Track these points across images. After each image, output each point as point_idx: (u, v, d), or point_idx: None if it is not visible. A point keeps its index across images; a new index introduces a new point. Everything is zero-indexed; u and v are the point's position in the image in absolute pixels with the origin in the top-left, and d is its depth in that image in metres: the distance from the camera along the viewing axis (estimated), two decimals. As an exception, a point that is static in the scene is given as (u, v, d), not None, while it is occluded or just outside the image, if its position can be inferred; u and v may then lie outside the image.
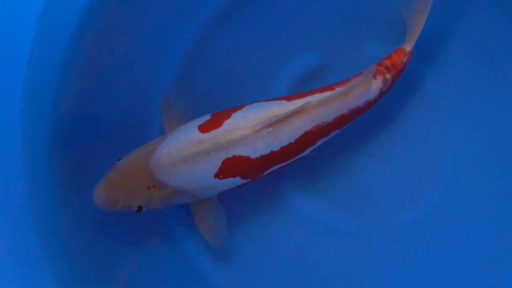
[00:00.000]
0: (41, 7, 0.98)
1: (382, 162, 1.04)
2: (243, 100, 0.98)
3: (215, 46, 1.06)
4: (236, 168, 0.91)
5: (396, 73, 0.97)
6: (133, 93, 1.04)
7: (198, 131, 0.91)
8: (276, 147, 0.91)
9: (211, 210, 0.96)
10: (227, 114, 0.93)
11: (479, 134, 1.04)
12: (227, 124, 0.91)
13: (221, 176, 0.92)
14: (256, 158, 0.91)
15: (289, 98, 0.94)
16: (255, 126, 0.90)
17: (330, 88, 0.95)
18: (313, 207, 1.03)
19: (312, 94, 0.94)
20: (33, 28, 0.97)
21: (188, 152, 0.90)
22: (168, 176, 0.91)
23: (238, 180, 0.93)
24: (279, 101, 0.94)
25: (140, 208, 0.93)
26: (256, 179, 0.96)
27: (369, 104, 0.96)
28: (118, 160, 0.94)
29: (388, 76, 0.96)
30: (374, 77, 0.95)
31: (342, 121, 0.94)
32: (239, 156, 0.90)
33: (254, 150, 0.90)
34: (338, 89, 0.94)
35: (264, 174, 0.95)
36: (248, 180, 0.94)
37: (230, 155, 0.90)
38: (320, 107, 0.92)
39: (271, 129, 0.90)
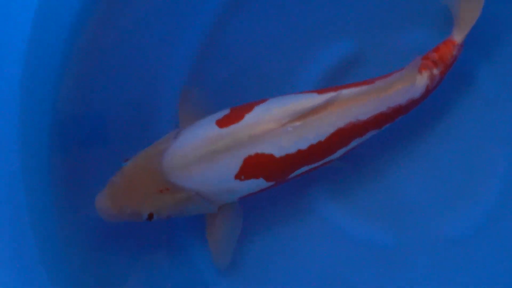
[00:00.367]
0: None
1: (425, 168, 0.99)
2: (265, 96, 0.93)
3: (234, 33, 1.02)
4: (258, 167, 0.87)
5: (445, 68, 0.92)
6: (140, 87, 1.01)
7: (216, 126, 0.87)
8: (304, 145, 0.87)
9: (226, 220, 0.92)
10: (248, 108, 0.88)
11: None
12: (249, 118, 0.87)
13: (243, 177, 0.87)
14: (281, 157, 0.87)
15: (320, 91, 0.90)
16: (281, 119, 0.86)
17: (368, 82, 0.90)
18: (344, 216, 0.99)
19: (347, 88, 0.89)
20: (31, 15, 0.94)
21: (205, 150, 0.86)
22: (183, 178, 0.87)
23: (261, 182, 0.89)
24: (309, 94, 0.89)
25: (151, 216, 0.88)
26: (281, 183, 0.91)
27: (412, 103, 0.91)
28: (125, 162, 0.89)
29: (435, 71, 0.92)
30: (420, 72, 0.91)
31: (380, 120, 0.90)
32: (262, 154, 0.86)
33: (279, 147, 0.86)
34: (377, 83, 0.89)
35: (290, 177, 0.90)
36: (272, 183, 0.90)
37: (252, 153, 0.86)
38: (355, 101, 0.88)
39: (298, 123, 0.86)
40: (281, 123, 0.86)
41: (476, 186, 0.99)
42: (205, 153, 0.86)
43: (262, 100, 0.89)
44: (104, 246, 0.97)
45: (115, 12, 1.00)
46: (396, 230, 0.98)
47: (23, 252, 0.90)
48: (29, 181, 0.93)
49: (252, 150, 0.86)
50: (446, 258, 0.97)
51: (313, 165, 0.90)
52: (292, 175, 0.90)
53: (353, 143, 0.90)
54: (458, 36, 0.93)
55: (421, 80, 0.91)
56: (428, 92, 0.92)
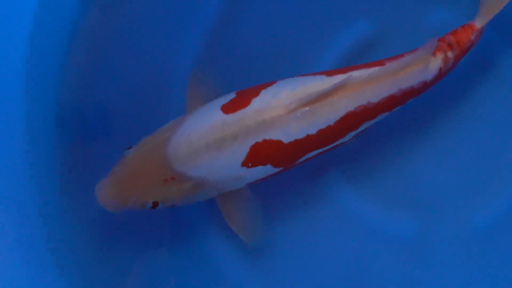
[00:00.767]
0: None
1: (449, 155, 0.98)
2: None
3: (247, 16, 1.01)
4: (266, 154, 0.86)
5: (460, 52, 0.91)
6: (147, 72, 1.00)
7: (221, 112, 0.86)
8: (313, 130, 0.85)
9: (242, 202, 0.91)
10: (255, 92, 0.87)
11: None
12: (256, 103, 0.85)
13: (250, 164, 0.86)
14: (290, 142, 0.85)
15: (329, 73, 0.88)
16: (290, 105, 0.84)
17: (379, 63, 0.89)
18: (367, 206, 0.97)
19: (357, 69, 0.88)
20: (35, 2, 0.95)
21: (211, 138, 0.85)
22: (189, 166, 0.85)
23: (269, 169, 0.87)
24: (317, 76, 0.88)
25: (155, 204, 0.87)
26: (290, 167, 0.90)
27: (424, 85, 0.89)
28: (127, 150, 0.88)
29: (450, 54, 0.90)
30: (434, 54, 0.89)
31: (391, 102, 0.88)
32: (270, 140, 0.85)
33: (288, 133, 0.85)
34: (389, 65, 0.87)
35: (299, 161, 0.89)
36: (281, 168, 0.88)
37: (259, 140, 0.85)
38: (366, 84, 0.86)
39: (307, 108, 0.84)
40: (289, 108, 0.84)
41: (502, 173, 0.97)
42: (211, 141, 0.85)
43: (269, 83, 0.88)
44: (111, 235, 0.97)
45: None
46: (419, 220, 0.96)
47: (31, 242, 0.91)
48: (36, 172, 0.94)
49: (260, 137, 0.85)
50: (473, 249, 0.96)
51: (322, 149, 0.89)
52: (301, 160, 0.89)
53: (363, 126, 0.89)
54: (479, 22, 0.91)
55: (435, 63, 0.89)
56: (441, 75, 0.90)
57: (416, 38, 0.95)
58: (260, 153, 0.85)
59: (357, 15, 1.00)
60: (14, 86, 0.93)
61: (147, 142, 0.88)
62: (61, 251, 0.93)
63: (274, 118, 0.84)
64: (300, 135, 0.85)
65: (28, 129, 0.93)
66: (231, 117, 0.85)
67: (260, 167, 0.86)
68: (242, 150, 0.85)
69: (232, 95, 0.88)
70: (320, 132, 0.86)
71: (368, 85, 0.86)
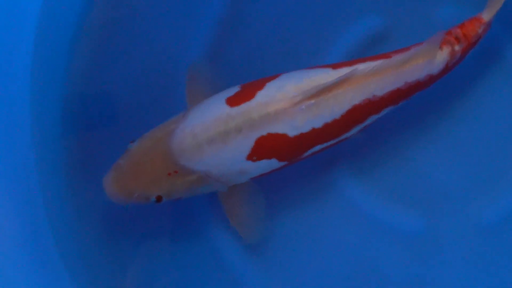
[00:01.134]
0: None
1: (457, 151, 0.97)
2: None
3: (255, 7, 1.00)
4: (271, 148, 0.86)
5: (467, 45, 0.90)
6: (154, 64, 0.99)
7: (226, 105, 0.85)
8: (319, 124, 0.85)
9: (244, 198, 0.91)
10: (259, 85, 0.86)
11: None
12: (261, 95, 0.85)
13: (255, 158, 0.86)
14: (295, 136, 0.85)
15: (335, 66, 0.88)
16: (295, 97, 0.84)
17: (385, 56, 0.88)
18: (373, 201, 0.97)
19: (363, 62, 0.88)
20: None
21: (216, 131, 0.85)
22: (193, 160, 0.85)
23: (273, 163, 0.87)
24: (323, 69, 0.87)
25: (159, 198, 0.87)
26: (294, 162, 0.89)
27: (430, 79, 0.89)
28: (131, 143, 0.88)
29: (457, 47, 0.89)
30: (440, 47, 0.89)
31: (396, 96, 0.87)
32: (276, 134, 0.84)
33: (293, 126, 0.84)
34: (395, 58, 0.87)
35: (304, 156, 0.88)
36: (285, 163, 0.88)
37: (264, 133, 0.84)
38: (371, 77, 0.85)
39: (312, 101, 0.84)
40: (294, 101, 0.84)
41: (511, 170, 0.96)
42: (216, 134, 0.84)
43: (274, 76, 0.88)
44: (114, 227, 0.97)
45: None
46: (426, 215, 0.96)
47: (37, 234, 0.91)
48: (42, 163, 0.93)
49: (265, 130, 0.84)
50: (480, 245, 0.95)
51: (327, 144, 0.89)
52: (305, 154, 0.88)
53: (369, 120, 0.88)
54: (486, 14, 0.91)
55: (441, 56, 0.89)
56: (447, 69, 0.90)
57: (424, 32, 0.94)
58: (265, 147, 0.85)
59: (365, 9, 0.99)
60: (20, 81, 0.92)
61: (151, 136, 0.88)
62: (66, 244, 0.93)
63: (279, 111, 0.84)
64: (306, 128, 0.85)
65: (34, 124, 0.93)
66: (236, 110, 0.84)
67: (265, 161, 0.86)
68: (247, 144, 0.85)
69: (236, 88, 0.87)
70: (326, 126, 0.85)
71: (373, 78, 0.86)
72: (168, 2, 1.00)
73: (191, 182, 0.87)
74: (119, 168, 0.87)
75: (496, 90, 0.97)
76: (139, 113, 0.98)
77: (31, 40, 0.93)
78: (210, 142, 0.84)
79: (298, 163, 0.90)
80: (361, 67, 0.86)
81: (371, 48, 0.98)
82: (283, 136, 0.84)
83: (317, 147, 0.88)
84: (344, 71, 0.86)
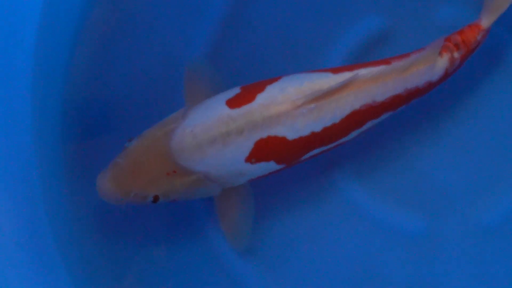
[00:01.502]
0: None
1: (459, 152, 0.97)
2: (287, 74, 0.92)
3: (255, 9, 1.00)
4: (270, 150, 0.86)
5: (466, 52, 0.91)
6: (156, 64, 0.99)
7: (226, 106, 0.85)
8: (318, 128, 0.85)
9: (238, 202, 0.91)
10: (260, 87, 0.86)
11: None
12: (261, 98, 0.85)
13: (253, 160, 0.86)
14: (294, 139, 0.85)
15: (335, 70, 0.88)
16: (296, 101, 0.84)
17: (386, 61, 0.89)
18: (374, 202, 0.97)
19: (363, 67, 0.88)
20: None
21: (216, 132, 0.84)
22: (193, 161, 0.85)
23: (272, 165, 0.87)
24: (323, 73, 0.87)
25: (156, 198, 0.87)
26: (293, 164, 0.90)
27: (429, 86, 0.89)
28: (129, 142, 0.88)
29: (456, 54, 0.90)
30: (440, 54, 0.89)
31: (396, 102, 0.88)
32: (275, 136, 0.85)
33: (293, 130, 0.84)
34: (396, 64, 0.87)
35: (302, 159, 0.89)
36: (284, 165, 0.88)
37: (264, 136, 0.84)
38: (372, 83, 0.86)
39: (314, 105, 0.84)
40: (295, 105, 0.84)
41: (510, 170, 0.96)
42: (216, 135, 0.84)
43: (274, 79, 0.87)
44: (112, 229, 0.97)
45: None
46: (427, 216, 0.96)
47: (38, 234, 0.91)
48: (43, 164, 0.93)
49: (265, 133, 0.85)
50: (481, 247, 0.95)
51: (325, 147, 0.89)
52: (303, 157, 0.89)
53: (367, 125, 0.89)
54: (485, 21, 0.91)
55: (441, 63, 0.89)
56: (446, 75, 0.90)
57: (426, 33, 0.96)
58: (264, 149, 0.85)
59: (365, 10, 0.99)
60: (22, 82, 0.92)
61: (149, 135, 0.88)
62: (66, 244, 0.93)
63: (280, 114, 0.84)
64: (305, 132, 0.85)
65: (35, 124, 0.93)
66: (237, 111, 0.84)
67: (263, 163, 0.86)
68: (246, 146, 0.85)
69: (237, 90, 0.87)
70: (325, 130, 0.85)
71: (374, 84, 0.86)
72: (169, 2, 1.00)
73: (189, 182, 0.86)
74: (116, 167, 0.87)
75: (497, 92, 0.97)
76: (140, 113, 0.98)
77: (32, 40, 0.93)
78: (210, 143, 0.84)
79: (298, 165, 0.90)
80: (363, 72, 0.86)
81: (372, 49, 0.98)
82: (282, 139, 0.85)
83: (316, 151, 0.88)
84: (344, 75, 0.86)
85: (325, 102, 0.84)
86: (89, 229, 0.96)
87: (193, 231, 0.97)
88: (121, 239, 0.97)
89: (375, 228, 0.96)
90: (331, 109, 0.85)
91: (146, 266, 0.96)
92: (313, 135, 0.85)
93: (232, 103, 0.85)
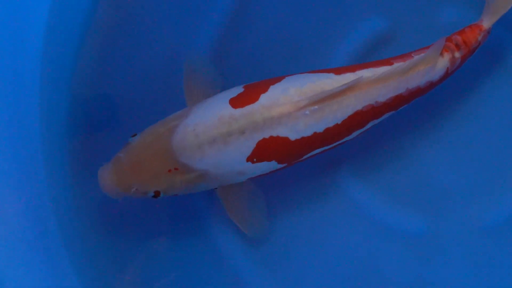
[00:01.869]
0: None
1: (459, 152, 0.97)
2: (289, 73, 0.91)
3: (258, 9, 1.00)
4: (272, 150, 0.86)
5: (467, 52, 0.91)
6: (159, 63, 0.99)
7: (229, 106, 0.85)
8: (321, 128, 0.85)
9: (243, 195, 0.91)
10: (263, 87, 0.86)
11: None
12: (264, 98, 0.85)
13: (255, 160, 0.86)
14: (296, 140, 0.85)
15: (337, 70, 0.88)
16: (299, 102, 0.84)
17: (387, 62, 0.89)
18: (375, 201, 0.97)
19: (365, 68, 0.88)
20: None
21: (219, 131, 0.84)
22: (194, 159, 0.85)
23: (273, 165, 0.87)
24: (325, 73, 0.87)
25: (157, 194, 0.87)
26: (293, 164, 0.90)
27: (430, 85, 0.90)
28: (132, 137, 0.88)
29: (457, 54, 0.90)
30: (441, 54, 0.89)
31: (398, 102, 0.88)
32: (277, 137, 0.85)
33: (295, 130, 0.84)
34: (398, 64, 0.87)
35: (303, 158, 0.89)
36: (285, 165, 0.88)
37: (266, 136, 0.84)
38: (374, 84, 0.86)
39: (317, 106, 0.84)
40: (298, 106, 0.84)
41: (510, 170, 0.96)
42: (219, 134, 0.84)
43: (277, 79, 0.87)
44: (114, 224, 0.97)
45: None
46: (427, 216, 0.96)
47: (45, 232, 0.91)
48: (50, 162, 0.94)
49: (267, 133, 0.84)
50: (482, 247, 0.95)
51: (327, 147, 0.89)
52: (305, 156, 0.89)
53: (369, 125, 0.89)
54: (486, 22, 0.91)
55: (442, 63, 0.89)
56: (447, 75, 0.90)
57: (427, 34, 0.95)
58: (266, 149, 0.85)
59: (368, 11, 0.99)
60: (30, 82, 0.93)
61: (152, 131, 0.88)
62: (70, 237, 0.94)
63: (283, 115, 0.84)
64: (307, 132, 0.85)
65: (42, 122, 0.93)
66: (239, 111, 0.84)
67: (264, 163, 0.86)
68: (248, 146, 0.84)
69: (240, 89, 0.87)
70: (327, 131, 0.85)
71: (377, 85, 0.86)
72: (172, 2, 1.00)
73: (190, 180, 0.86)
74: (118, 161, 0.87)
75: (497, 92, 0.97)
76: (144, 110, 0.98)
77: (40, 40, 0.93)
78: (211, 142, 0.84)
79: (299, 164, 0.90)
80: (365, 73, 0.86)
81: (374, 50, 0.98)
82: (285, 140, 0.84)
83: (317, 150, 0.88)
84: (346, 76, 0.86)
85: (327, 104, 0.84)
86: (93, 222, 0.96)
87: (195, 226, 0.97)
88: (124, 233, 0.97)
89: (376, 228, 0.96)
90: (334, 110, 0.85)
91: (148, 259, 0.97)
92: (316, 135, 0.85)
93: (236, 102, 0.85)
